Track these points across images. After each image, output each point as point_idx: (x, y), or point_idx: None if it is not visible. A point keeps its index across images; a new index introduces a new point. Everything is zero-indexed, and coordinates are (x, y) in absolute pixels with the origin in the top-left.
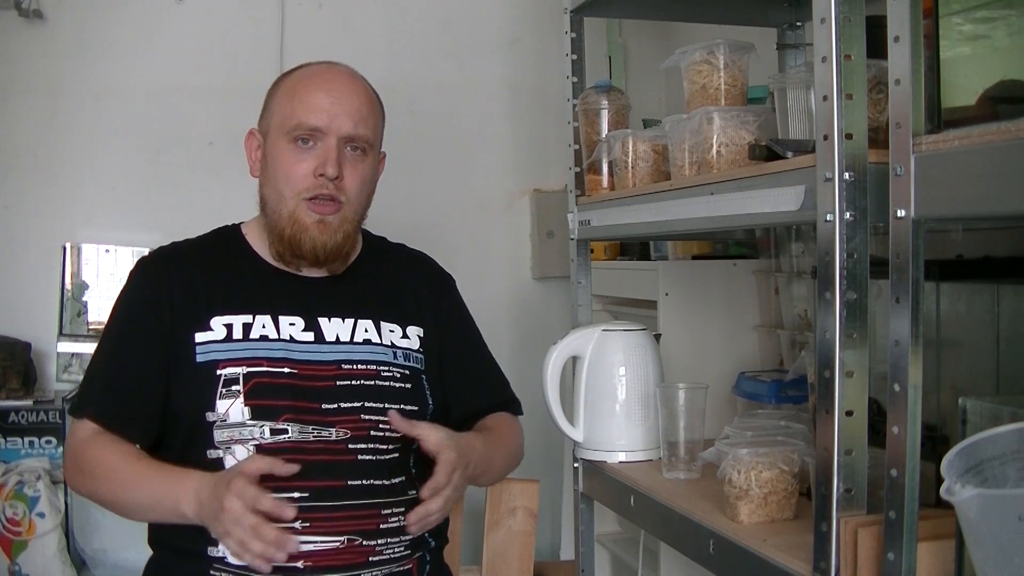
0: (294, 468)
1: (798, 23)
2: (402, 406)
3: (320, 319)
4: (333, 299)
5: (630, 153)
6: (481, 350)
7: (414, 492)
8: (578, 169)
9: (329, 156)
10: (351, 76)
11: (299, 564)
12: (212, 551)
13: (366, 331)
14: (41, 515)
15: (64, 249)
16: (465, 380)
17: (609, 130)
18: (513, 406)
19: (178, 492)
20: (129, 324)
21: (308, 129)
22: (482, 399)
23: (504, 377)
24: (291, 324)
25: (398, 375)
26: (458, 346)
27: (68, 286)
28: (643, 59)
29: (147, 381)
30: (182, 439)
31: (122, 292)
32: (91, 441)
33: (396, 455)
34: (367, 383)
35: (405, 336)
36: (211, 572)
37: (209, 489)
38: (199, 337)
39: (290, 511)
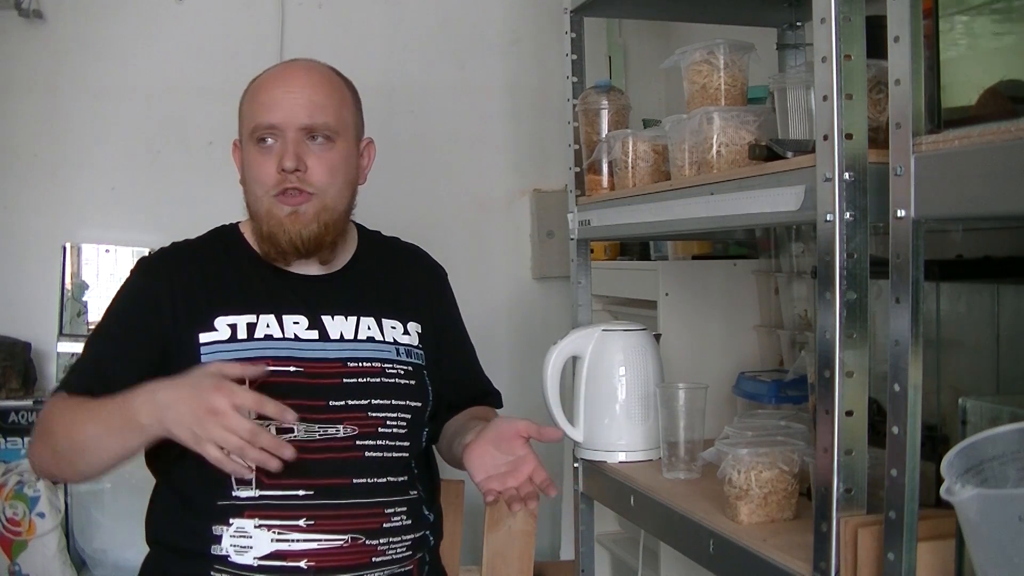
0: (262, 371)
1: (798, 23)
2: (407, 402)
3: (323, 317)
4: (334, 296)
5: (630, 153)
6: (468, 344)
7: (415, 492)
8: (578, 169)
9: (287, 150)
10: (306, 68)
11: (303, 564)
12: (216, 549)
13: (368, 328)
14: (41, 515)
15: (64, 249)
16: (454, 373)
17: (609, 130)
18: (495, 399)
19: (131, 403)
20: (124, 317)
21: (266, 127)
22: (468, 392)
23: (483, 371)
24: (295, 323)
25: (402, 372)
26: (451, 340)
27: (68, 286)
28: (643, 59)
29: (133, 371)
30: None
31: (121, 288)
32: (53, 404)
33: (405, 454)
34: (373, 380)
35: (406, 332)
36: (212, 573)
37: (170, 390)
38: (203, 338)
39: (291, 414)
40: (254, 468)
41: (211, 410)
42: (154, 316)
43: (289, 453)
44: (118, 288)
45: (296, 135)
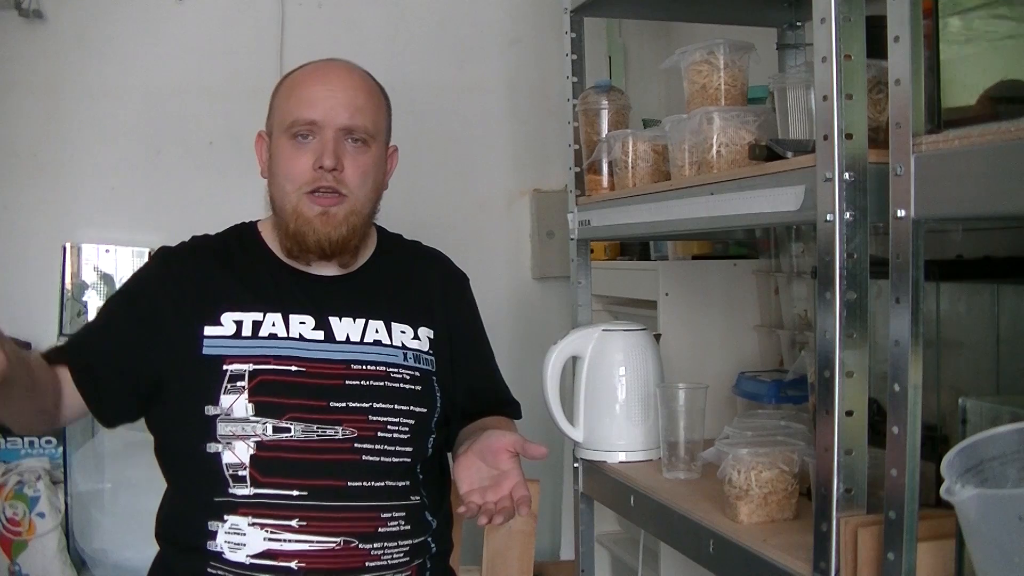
0: None
1: (798, 23)
2: (412, 407)
3: (331, 318)
4: (345, 298)
5: (630, 153)
6: (487, 353)
7: (417, 498)
8: (578, 169)
9: (326, 148)
10: (348, 69)
11: (293, 565)
12: (211, 545)
13: (376, 332)
14: (41, 515)
15: (64, 249)
16: (469, 381)
17: (609, 130)
18: (512, 409)
19: None
20: (122, 301)
21: (305, 123)
22: (484, 401)
23: (503, 381)
24: (301, 323)
25: (408, 377)
26: (467, 348)
27: (68, 286)
28: (643, 59)
29: (119, 353)
30: (180, 430)
31: (136, 272)
32: None
33: (407, 459)
34: (376, 384)
35: (416, 337)
36: (208, 570)
37: None
38: (208, 331)
39: None
40: None
41: None
42: (154, 306)
43: None
44: (135, 271)
45: (336, 134)
